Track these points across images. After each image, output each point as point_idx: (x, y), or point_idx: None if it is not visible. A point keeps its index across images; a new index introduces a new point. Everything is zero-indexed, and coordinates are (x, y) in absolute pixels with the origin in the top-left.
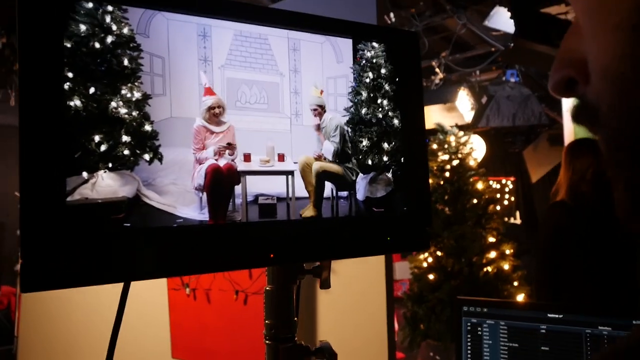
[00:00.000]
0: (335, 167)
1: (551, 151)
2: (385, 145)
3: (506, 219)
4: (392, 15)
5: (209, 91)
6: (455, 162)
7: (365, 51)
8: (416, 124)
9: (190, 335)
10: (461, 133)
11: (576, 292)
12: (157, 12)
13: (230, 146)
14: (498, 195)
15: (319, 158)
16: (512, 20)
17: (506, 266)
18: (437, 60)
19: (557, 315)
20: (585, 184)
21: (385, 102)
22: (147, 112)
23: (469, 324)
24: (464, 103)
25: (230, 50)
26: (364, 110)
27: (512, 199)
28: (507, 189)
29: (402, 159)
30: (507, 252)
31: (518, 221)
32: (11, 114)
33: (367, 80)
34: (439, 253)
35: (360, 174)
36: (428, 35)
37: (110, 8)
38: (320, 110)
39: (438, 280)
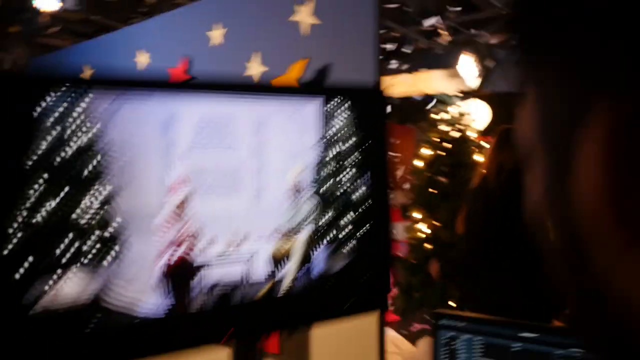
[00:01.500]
0: (300, 242)
1: None
2: (348, 217)
3: None
4: None
5: (170, 184)
6: (455, 134)
7: (333, 122)
8: (380, 193)
9: None
10: (462, 103)
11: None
12: (119, 108)
13: (192, 237)
14: None
15: (286, 235)
16: None
17: None
18: (441, 20)
19: (531, 335)
20: (496, 180)
21: (349, 173)
22: (109, 212)
23: (445, 337)
24: (469, 68)
25: (195, 135)
26: (328, 184)
27: None
28: None
29: (364, 228)
30: None
31: None
32: None
33: (332, 153)
34: (435, 224)
35: (322, 247)
36: None
37: (73, 116)
38: (292, 189)
39: (434, 251)
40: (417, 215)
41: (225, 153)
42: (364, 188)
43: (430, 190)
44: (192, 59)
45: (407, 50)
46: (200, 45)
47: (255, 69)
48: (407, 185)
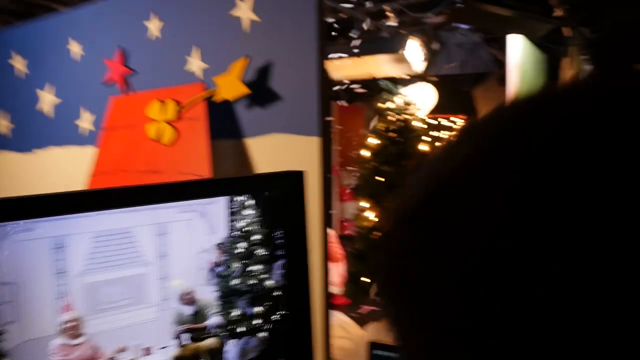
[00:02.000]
0: (211, 342)
1: (500, 91)
2: (260, 307)
3: None
4: None
5: (65, 307)
6: (400, 124)
7: (238, 217)
8: (297, 276)
9: None
10: (407, 90)
11: None
12: (5, 236)
13: (92, 357)
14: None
15: (194, 338)
16: None
17: None
18: (389, 3)
19: None
20: None
21: (258, 266)
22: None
23: None
24: (414, 52)
25: (89, 254)
26: (235, 280)
27: None
28: (457, 127)
29: (280, 313)
30: None
31: None
32: None
33: (240, 249)
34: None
35: (233, 341)
36: None
37: None
38: (189, 296)
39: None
40: (364, 204)
41: (125, 265)
42: (279, 277)
43: (377, 178)
44: (129, 51)
45: (353, 34)
46: (137, 36)
47: (195, 65)
48: (353, 167)
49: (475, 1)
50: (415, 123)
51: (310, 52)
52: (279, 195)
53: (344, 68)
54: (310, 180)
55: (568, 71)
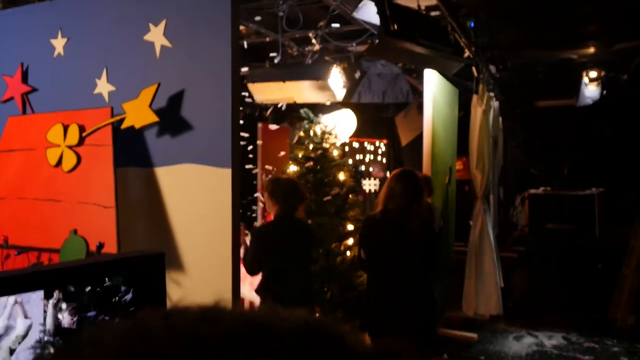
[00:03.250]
0: None
1: (419, 118)
2: None
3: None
4: None
5: None
6: (319, 152)
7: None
8: None
9: None
10: (326, 118)
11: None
12: None
13: None
14: (372, 157)
15: None
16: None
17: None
18: (313, 31)
19: None
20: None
21: None
22: None
23: None
24: (337, 81)
25: None
26: None
27: (384, 160)
28: (380, 151)
29: None
30: None
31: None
32: None
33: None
34: None
35: None
36: (306, 4)
37: None
38: None
39: None
40: None
41: None
42: None
43: None
44: (31, 67)
45: (276, 59)
46: (42, 53)
47: (103, 87)
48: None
49: (391, 38)
50: (334, 152)
51: (225, 80)
52: (133, 284)
53: (267, 92)
54: (223, 214)
55: (477, 106)
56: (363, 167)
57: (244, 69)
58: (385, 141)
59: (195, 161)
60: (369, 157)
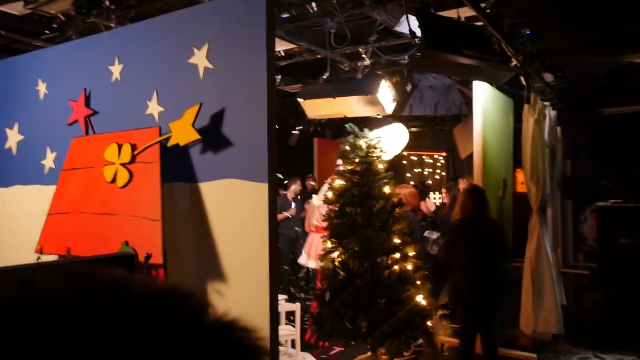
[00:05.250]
0: None
1: None
2: None
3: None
4: (313, 4)
5: None
6: (364, 166)
7: None
8: None
9: None
10: (372, 135)
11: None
12: None
13: None
14: (431, 170)
15: None
16: (420, 29)
17: (409, 266)
18: (363, 46)
19: None
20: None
21: None
22: None
23: None
24: (386, 94)
25: None
26: None
27: (443, 173)
28: (438, 164)
29: None
30: (410, 253)
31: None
32: None
33: None
34: (344, 256)
35: None
36: (355, 20)
37: None
38: None
39: (345, 279)
40: (329, 244)
41: None
42: None
43: (339, 220)
44: (92, 92)
45: (325, 75)
46: (101, 79)
47: (153, 108)
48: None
49: (433, 50)
50: (379, 166)
51: (261, 98)
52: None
53: (318, 108)
54: (261, 226)
55: (529, 116)
56: (430, 182)
57: (297, 86)
58: (444, 154)
59: (235, 176)
60: (427, 171)
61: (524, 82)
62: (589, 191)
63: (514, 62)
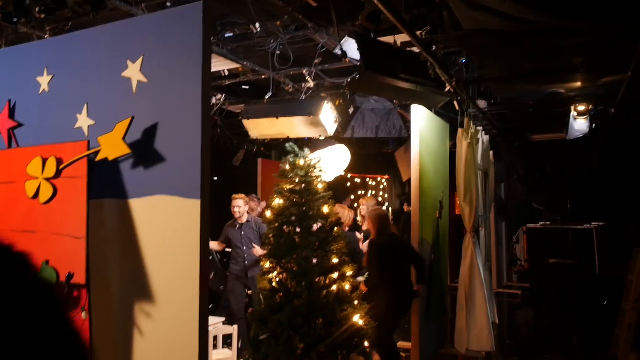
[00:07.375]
0: None
1: None
2: None
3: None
4: (257, 25)
5: None
6: (303, 186)
7: None
8: None
9: None
10: (312, 156)
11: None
12: None
13: None
14: (374, 192)
15: None
16: (359, 53)
17: (347, 286)
18: (307, 68)
19: None
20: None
21: None
22: None
23: None
24: (328, 116)
25: None
26: None
27: (386, 195)
28: (381, 186)
29: None
30: (348, 273)
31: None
32: None
33: None
34: (281, 276)
35: None
36: (299, 43)
37: None
38: None
39: (283, 300)
40: (268, 264)
41: None
42: None
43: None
44: (17, 104)
45: (267, 96)
46: (28, 89)
47: (83, 121)
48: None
49: (371, 73)
50: (318, 185)
51: (195, 114)
52: None
53: (261, 127)
54: (192, 244)
55: (462, 139)
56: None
57: (241, 106)
58: (386, 176)
59: (167, 192)
60: (370, 193)
61: (457, 107)
62: (522, 214)
63: (448, 88)
